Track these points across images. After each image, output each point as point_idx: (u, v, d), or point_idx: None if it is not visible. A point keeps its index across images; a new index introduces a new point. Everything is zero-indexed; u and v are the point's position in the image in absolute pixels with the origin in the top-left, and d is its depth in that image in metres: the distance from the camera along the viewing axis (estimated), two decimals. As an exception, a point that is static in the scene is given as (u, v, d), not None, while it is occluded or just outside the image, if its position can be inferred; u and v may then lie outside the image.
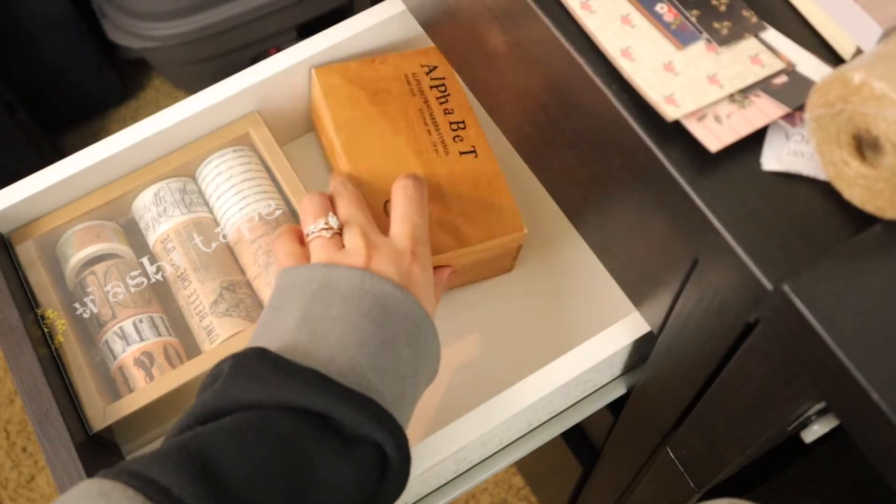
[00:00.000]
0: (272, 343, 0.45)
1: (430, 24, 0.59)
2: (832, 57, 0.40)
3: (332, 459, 0.42)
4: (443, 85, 0.63)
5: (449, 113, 0.61)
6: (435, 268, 0.56)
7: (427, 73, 0.63)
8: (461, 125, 0.61)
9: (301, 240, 0.52)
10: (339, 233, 0.51)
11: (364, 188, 0.57)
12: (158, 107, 1.58)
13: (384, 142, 0.59)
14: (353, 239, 0.50)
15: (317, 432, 0.42)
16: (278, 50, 1.28)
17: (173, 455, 0.39)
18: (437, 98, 0.62)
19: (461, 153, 0.60)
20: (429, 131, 0.60)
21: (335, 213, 0.52)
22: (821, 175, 0.37)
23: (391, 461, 0.43)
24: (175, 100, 1.58)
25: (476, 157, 0.60)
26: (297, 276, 0.48)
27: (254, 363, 0.43)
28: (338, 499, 0.42)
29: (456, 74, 0.63)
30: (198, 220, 0.60)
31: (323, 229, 0.50)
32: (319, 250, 0.50)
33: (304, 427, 0.42)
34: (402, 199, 0.52)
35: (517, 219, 0.58)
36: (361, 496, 0.42)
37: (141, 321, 0.57)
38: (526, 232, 0.58)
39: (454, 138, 0.60)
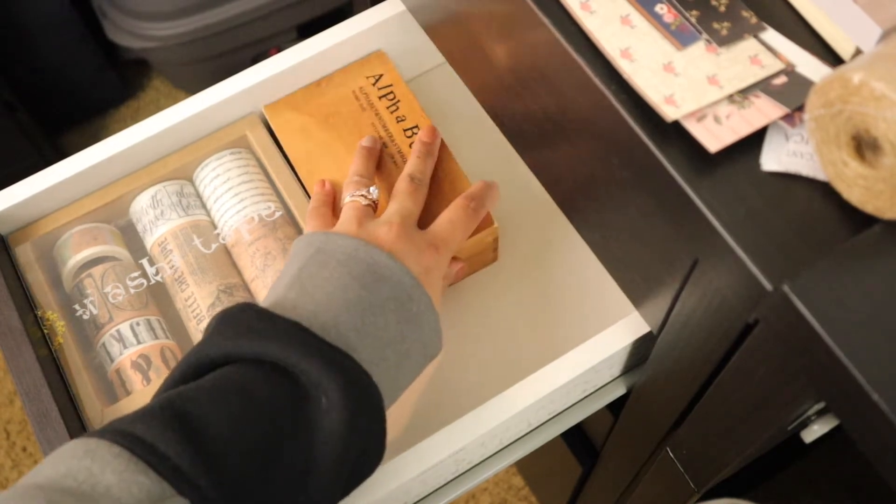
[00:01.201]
0: (265, 301, 0.47)
1: (430, 25, 0.59)
2: (832, 57, 0.40)
3: (307, 416, 0.42)
4: (391, 93, 0.63)
5: (401, 120, 0.62)
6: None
7: (374, 84, 0.63)
8: (415, 130, 0.62)
9: (333, 206, 0.56)
10: (374, 205, 0.54)
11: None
12: (158, 107, 1.58)
13: (342, 166, 0.60)
14: (389, 215, 0.52)
15: (292, 389, 0.43)
16: (279, 50, 1.28)
17: (157, 413, 0.40)
18: (388, 107, 0.62)
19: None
20: (385, 144, 0.61)
21: (377, 185, 0.56)
22: (820, 175, 0.37)
23: (350, 407, 0.43)
24: (175, 100, 1.58)
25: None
26: (301, 242, 0.51)
27: (237, 314, 0.45)
28: (312, 453, 0.42)
29: (402, 79, 0.64)
30: (195, 224, 0.60)
31: (361, 196, 0.54)
32: (350, 211, 0.53)
33: (280, 384, 0.43)
34: (461, 211, 0.54)
35: (486, 214, 0.58)
36: (335, 449, 0.42)
37: (138, 324, 0.56)
38: (496, 226, 0.58)
39: (410, 145, 0.61)
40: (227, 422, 0.40)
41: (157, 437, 0.39)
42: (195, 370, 0.44)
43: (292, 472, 0.42)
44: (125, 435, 0.39)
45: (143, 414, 0.40)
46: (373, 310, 0.46)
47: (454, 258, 0.58)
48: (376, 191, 0.55)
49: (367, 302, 0.46)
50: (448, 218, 0.54)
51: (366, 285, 0.47)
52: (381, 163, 0.61)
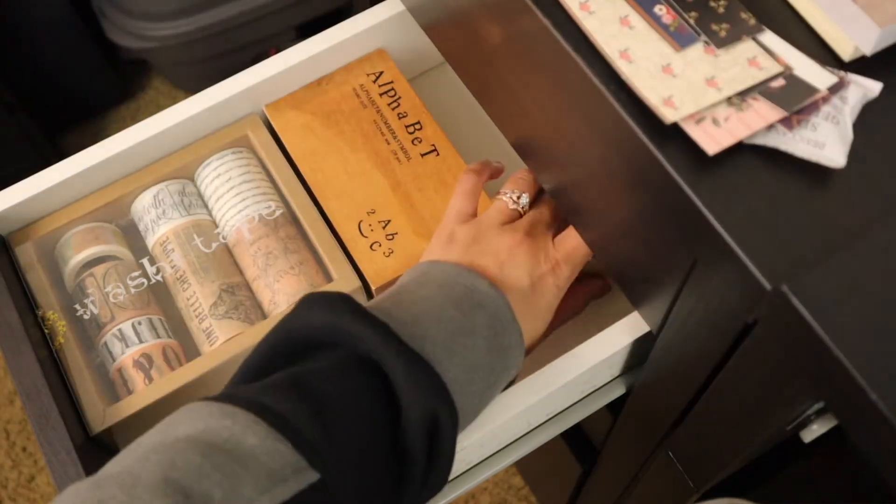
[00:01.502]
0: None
1: (430, 25, 0.60)
2: (831, 58, 0.40)
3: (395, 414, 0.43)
4: (392, 90, 0.63)
5: (403, 116, 0.62)
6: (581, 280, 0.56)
7: (374, 82, 0.64)
8: (417, 126, 0.62)
9: (475, 199, 0.55)
10: (521, 213, 0.54)
11: (335, 214, 0.59)
12: (158, 107, 1.58)
13: (346, 163, 0.61)
14: (524, 221, 0.53)
15: (384, 384, 0.43)
16: (278, 50, 1.28)
17: (285, 387, 0.41)
18: (389, 104, 0.63)
19: (422, 155, 0.61)
20: (387, 141, 0.61)
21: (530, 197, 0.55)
22: (790, 149, 0.37)
23: (442, 428, 0.44)
24: (175, 100, 1.58)
25: (437, 155, 0.61)
26: (413, 267, 0.52)
27: (333, 296, 0.45)
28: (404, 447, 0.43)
29: (403, 76, 0.64)
30: (197, 223, 0.60)
31: (512, 199, 0.54)
32: (493, 210, 0.54)
33: (375, 374, 0.43)
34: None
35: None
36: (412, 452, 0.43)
37: (140, 323, 0.57)
38: None
39: (413, 141, 0.61)
40: (347, 405, 0.41)
41: (289, 410, 0.40)
42: (285, 342, 0.44)
43: (392, 465, 0.43)
44: (256, 404, 0.40)
45: (270, 386, 0.41)
46: (465, 332, 0.46)
47: (596, 275, 0.58)
48: (527, 199, 0.55)
49: (461, 324, 0.46)
50: (575, 233, 0.53)
51: (461, 308, 0.47)
52: (382, 160, 0.61)
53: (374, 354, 0.43)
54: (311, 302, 0.45)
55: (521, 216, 0.54)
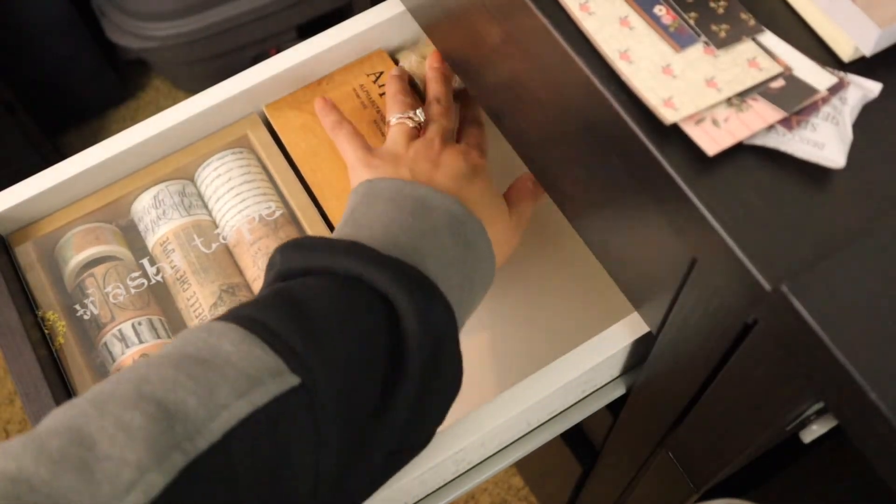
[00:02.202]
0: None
1: (430, 25, 0.60)
2: (830, 58, 0.40)
3: (386, 322, 0.43)
4: None
5: None
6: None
7: (374, 82, 0.64)
8: None
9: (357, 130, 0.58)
10: (419, 127, 0.57)
11: (335, 214, 0.59)
12: (158, 107, 1.58)
13: (344, 164, 0.61)
14: (430, 135, 0.55)
15: (369, 296, 0.44)
16: (278, 50, 1.28)
17: (268, 299, 0.42)
18: None
19: None
20: (384, 134, 0.61)
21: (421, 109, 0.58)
22: (812, 157, 0.37)
23: (425, 316, 0.44)
24: (175, 100, 1.58)
25: None
26: (351, 194, 0.52)
27: (301, 240, 0.46)
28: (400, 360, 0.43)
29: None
30: (197, 223, 0.60)
31: (409, 118, 0.57)
32: (398, 135, 0.56)
33: (359, 290, 0.44)
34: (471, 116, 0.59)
35: None
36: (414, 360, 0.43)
37: (140, 323, 0.57)
38: None
39: None
40: (333, 314, 0.42)
41: (271, 317, 0.40)
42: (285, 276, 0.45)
43: (384, 371, 0.43)
44: (239, 316, 0.40)
45: (255, 300, 0.42)
46: (428, 234, 0.47)
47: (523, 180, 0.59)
48: (422, 113, 0.58)
49: (422, 229, 0.47)
50: (475, 119, 0.59)
51: (417, 215, 0.48)
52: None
53: (357, 269, 0.44)
54: (284, 252, 0.46)
55: (419, 130, 0.57)
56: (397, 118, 0.57)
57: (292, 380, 0.38)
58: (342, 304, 0.42)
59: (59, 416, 0.36)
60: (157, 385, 0.36)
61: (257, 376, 0.37)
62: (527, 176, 0.58)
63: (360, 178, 0.54)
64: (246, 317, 0.40)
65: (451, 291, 0.46)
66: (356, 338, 0.42)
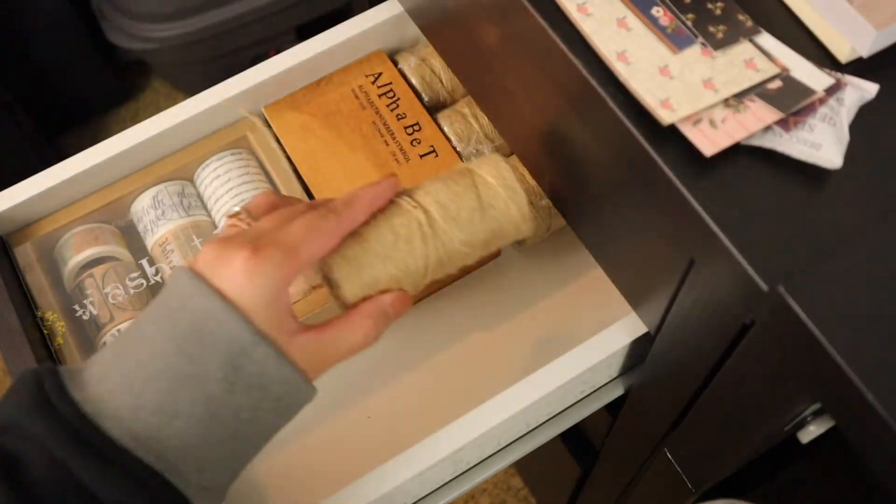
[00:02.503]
0: (90, 360, 0.41)
1: (428, 26, 0.60)
2: (827, 59, 0.40)
3: None
4: (391, 91, 0.63)
5: (402, 118, 0.62)
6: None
7: (373, 83, 0.64)
8: (416, 127, 0.62)
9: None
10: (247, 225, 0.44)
11: None
12: (158, 108, 1.58)
13: (344, 164, 0.61)
14: (234, 229, 0.44)
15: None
16: (278, 51, 1.28)
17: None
18: (388, 105, 0.63)
19: (421, 156, 0.61)
20: (385, 142, 0.61)
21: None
22: (787, 150, 0.37)
23: None
24: (174, 101, 1.58)
25: (437, 156, 0.61)
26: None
27: (31, 385, 0.39)
28: None
29: (402, 77, 0.64)
30: (196, 224, 0.60)
31: (235, 217, 0.45)
32: (222, 231, 0.46)
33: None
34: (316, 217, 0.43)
35: None
36: None
37: (140, 323, 0.57)
38: None
39: (412, 142, 0.61)
40: (49, 479, 0.37)
41: None
42: None
43: None
44: None
45: None
46: (190, 384, 0.39)
47: (387, 292, 0.45)
48: (236, 208, 0.47)
49: (184, 374, 0.39)
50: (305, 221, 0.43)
51: (186, 352, 0.39)
52: (381, 161, 0.61)
53: (57, 454, 0.37)
54: (10, 388, 0.39)
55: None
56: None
57: None
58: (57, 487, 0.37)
59: None
60: None
61: None
62: (382, 297, 0.45)
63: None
64: None
65: (207, 452, 0.39)
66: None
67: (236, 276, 0.40)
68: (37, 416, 0.37)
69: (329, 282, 0.45)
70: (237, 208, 0.46)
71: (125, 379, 0.39)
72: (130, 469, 0.37)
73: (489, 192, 0.46)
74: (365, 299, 0.45)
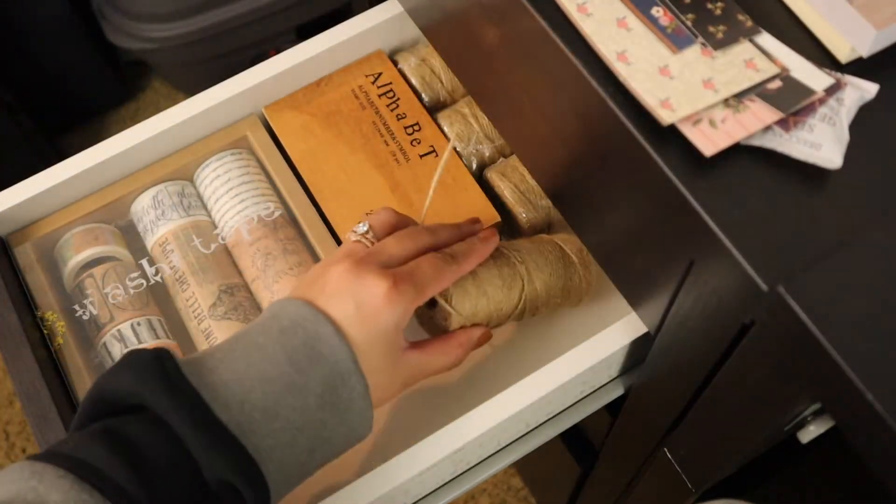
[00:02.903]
0: (201, 351, 0.45)
1: (428, 26, 0.60)
2: (827, 59, 0.40)
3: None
4: (391, 91, 0.63)
5: (402, 118, 0.62)
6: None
7: (373, 83, 0.64)
8: (416, 127, 0.62)
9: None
10: (368, 244, 0.49)
11: (334, 215, 0.59)
12: (158, 108, 1.58)
13: (344, 164, 0.61)
14: (358, 247, 0.49)
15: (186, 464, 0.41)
16: (278, 51, 1.29)
17: (98, 438, 0.40)
18: (388, 105, 0.63)
19: (421, 156, 0.61)
20: (385, 142, 0.61)
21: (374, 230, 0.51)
22: (786, 150, 0.37)
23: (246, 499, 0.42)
24: (175, 101, 1.58)
25: (437, 156, 0.61)
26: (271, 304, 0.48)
27: (150, 361, 0.42)
28: None
29: (402, 77, 0.64)
30: (196, 224, 0.60)
31: (353, 232, 0.50)
32: (341, 250, 0.49)
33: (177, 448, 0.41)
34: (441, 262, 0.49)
35: (489, 209, 0.59)
36: None
37: (139, 324, 0.57)
38: (500, 221, 0.58)
39: (411, 142, 0.61)
40: (159, 459, 0.40)
41: (102, 460, 0.39)
42: (100, 402, 0.43)
43: None
44: (69, 458, 0.39)
45: (86, 438, 0.40)
46: (293, 391, 0.43)
47: (475, 326, 0.52)
48: (365, 226, 0.50)
49: (290, 382, 0.43)
50: (422, 260, 0.49)
51: (295, 363, 0.44)
52: (381, 161, 0.61)
53: (174, 428, 0.41)
54: (125, 363, 0.43)
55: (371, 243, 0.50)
56: (351, 232, 0.51)
57: None
58: (167, 451, 0.41)
59: None
60: None
61: None
62: (474, 330, 0.52)
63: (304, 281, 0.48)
64: (80, 461, 0.39)
65: (288, 458, 0.43)
66: (180, 486, 0.41)
67: (376, 301, 0.46)
68: (161, 393, 0.41)
69: (437, 307, 0.52)
70: (363, 225, 0.50)
71: (236, 375, 0.43)
72: (236, 454, 0.41)
73: (571, 266, 0.55)
74: (461, 328, 0.52)
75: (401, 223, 0.52)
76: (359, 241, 0.50)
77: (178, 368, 0.42)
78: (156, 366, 0.42)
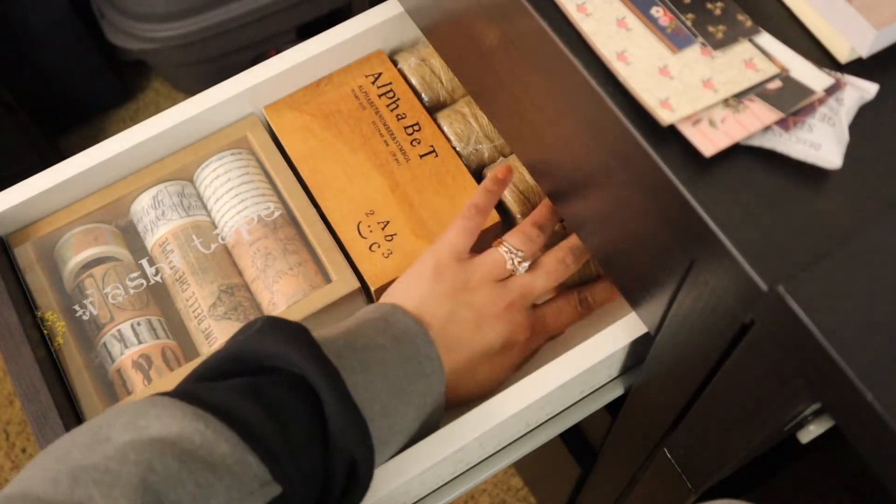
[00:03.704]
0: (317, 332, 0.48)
1: (428, 26, 0.60)
2: (827, 59, 0.40)
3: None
4: (391, 91, 0.63)
5: (402, 118, 0.62)
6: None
7: (373, 83, 0.64)
8: (416, 127, 0.62)
9: (473, 238, 0.55)
10: (514, 272, 0.54)
11: (334, 215, 0.59)
12: (158, 108, 1.58)
13: (345, 164, 0.61)
14: (517, 284, 0.54)
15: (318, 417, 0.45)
16: (277, 51, 1.29)
17: (243, 394, 0.42)
18: (388, 105, 0.63)
19: (421, 156, 0.61)
20: (385, 142, 0.61)
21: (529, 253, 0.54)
22: (807, 158, 0.37)
23: (359, 474, 0.45)
24: (174, 101, 1.58)
25: (436, 156, 0.61)
26: (370, 306, 0.53)
27: (294, 329, 0.46)
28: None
29: (402, 77, 0.64)
30: (196, 224, 0.60)
31: (513, 258, 0.54)
32: (489, 262, 0.54)
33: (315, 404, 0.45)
34: (571, 308, 0.57)
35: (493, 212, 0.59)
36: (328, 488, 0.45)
37: (139, 324, 0.57)
38: (499, 220, 0.59)
39: (411, 142, 0.61)
40: (300, 422, 0.43)
41: (255, 420, 0.41)
42: (239, 359, 0.45)
43: (322, 484, 0.44)
44: (224, 409, 0.41)
45: (232, 392, 0.42)
46: (402, 396, 0.47)
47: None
48: (527, 266, 0.54)
49: (400, 387, 0.47)
50: (558, 308, 0.55)
51: (407, 371, 0.48)
52: (381, 161, 0.61)
53: (320, 393, 0.44)
54: (271, 328, 0.46)
55: (513, 274, 0.54)
56: (505, 245, 0.54)
57: (275, 489, 0.40)
58: (308, 414, 0.44)
59: (66, 491, 0.36)
60: (162, 477, 0.37)
61: (249, 485, 0.39)
62: (577, 309, 0.57)
63: (417, 283, 0.53)
64: (235, 416, 0.41)
65: (382, 455, 0.47)
66: (316, 450, 0.44)
67: (507, 349, 0.53)
68: (309, 360, 0.44)
69: None
70: (519, 254, 0.54)
71: (362, 364, 0.46)
72: (366, 437, 0.44)
73: None
74: None
75: (550, 222, 0.56)
76: (511, 270, 0.54)
77: (317, 344, 0.45)
78: (304, 336, 0.45)
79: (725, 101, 0.38)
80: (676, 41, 0.40)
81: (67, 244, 0.60)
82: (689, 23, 0.40)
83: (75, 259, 0.59)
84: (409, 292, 0.52)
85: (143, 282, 0.59)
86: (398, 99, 0.63)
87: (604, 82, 0.39)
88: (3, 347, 0.54)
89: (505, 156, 0.63)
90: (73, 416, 0.53)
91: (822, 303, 0.34)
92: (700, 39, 0.40)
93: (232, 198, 0.60)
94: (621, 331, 0.53)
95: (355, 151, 0.62)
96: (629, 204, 0.43)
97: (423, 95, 0.64)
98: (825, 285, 0.34)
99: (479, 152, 0.62)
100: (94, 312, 0.57)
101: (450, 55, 0.58)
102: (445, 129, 0.62)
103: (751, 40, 0.40)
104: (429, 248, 0.54)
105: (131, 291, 0.58)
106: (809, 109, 0.38)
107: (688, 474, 0.57)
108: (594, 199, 0.47)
